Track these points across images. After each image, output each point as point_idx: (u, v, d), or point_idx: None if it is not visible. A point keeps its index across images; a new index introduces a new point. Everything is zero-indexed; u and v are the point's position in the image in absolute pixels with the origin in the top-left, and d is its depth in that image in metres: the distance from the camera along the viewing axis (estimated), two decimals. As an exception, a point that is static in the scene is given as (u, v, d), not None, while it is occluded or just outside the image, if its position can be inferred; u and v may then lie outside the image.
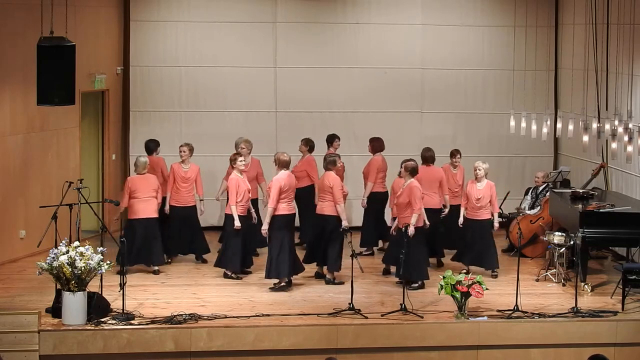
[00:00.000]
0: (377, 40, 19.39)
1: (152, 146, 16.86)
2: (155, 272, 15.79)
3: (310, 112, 19.33)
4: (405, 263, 14.22)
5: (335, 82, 19.34)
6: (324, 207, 15.30)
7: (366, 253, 17.24)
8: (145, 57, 19.15)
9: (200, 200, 16.60)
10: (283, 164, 15.20)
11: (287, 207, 15.09)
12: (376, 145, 17.45)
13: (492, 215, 15.84)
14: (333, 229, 15.16)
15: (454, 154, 17.09)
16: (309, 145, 17.69)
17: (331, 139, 17.72)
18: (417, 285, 15.01)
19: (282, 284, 15.06)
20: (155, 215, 15.79)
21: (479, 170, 15.84)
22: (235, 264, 15.48)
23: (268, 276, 15.09)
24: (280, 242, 14.96)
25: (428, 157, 16.49)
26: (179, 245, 16.60)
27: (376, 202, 17.25)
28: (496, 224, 15.89)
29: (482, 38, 19.62)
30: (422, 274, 15.15)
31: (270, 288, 15.06)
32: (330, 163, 15.42)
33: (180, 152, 16.49)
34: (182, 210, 16.39)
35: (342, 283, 15.10)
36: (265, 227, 15.01)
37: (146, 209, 15.66)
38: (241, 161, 15.50)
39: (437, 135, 19.28)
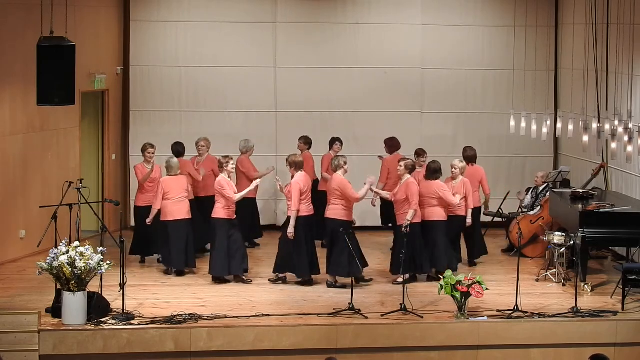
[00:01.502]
0: (377, 40, 19.39)
1: (180, 150, 16.82)
2: (186, 273, 15.85)
3: (310, 112, 19.34)
4: (399, 260, 14.25)
5: (335, 82, 19.34)
6: (330, 211, 15.21)
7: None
8: (145, 57, 19.15)
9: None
10: (299, 166, 15.29)
11: (306, 208, 15.16)
12: (391, 145, 17.56)
13: (466, 212, 15.95)
14: (337, 232, 15.13)
15: (420, 153, 17.10)
16: (308, 143, 17.81)
17: (331, 142, 17.81)
18: (407, 278, 14.82)
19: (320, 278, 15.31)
20: (188, 216, 15.81)
21: (455, 168, 16.00)
22: (219, 269, 15.45)
23: (276, 271, 15.27)
24: (295, 242, 15.00)
25: (471, 157, 16.56)
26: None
27: (388, 202, 17.25)
28: (469, 220, 15.93)
29: (482, 38, 19.62)
30: (414, 268, 15.19)
31: (269, 280, 15.25)
32: (340, 163, 15.36)
33: (149, 153, 16.42)
34: (149, 209, 16.24)
35: (344, 287, 15.01)
36: (291, 230, 14.99)
37: (180, 210, 15.69)
38: (232, 165, 15.49)
39: (437, 135, 19.29)
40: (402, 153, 17.29)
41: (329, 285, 15.19)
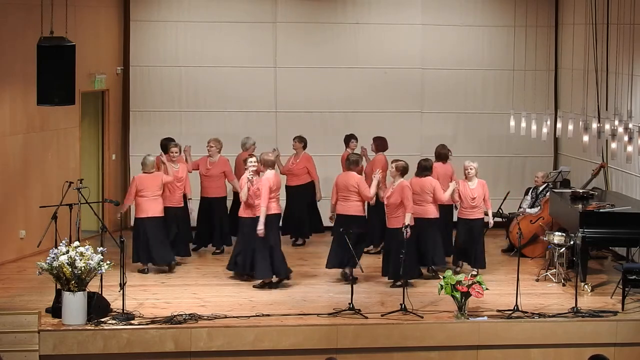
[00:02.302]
0: (377, 40, 19.40)
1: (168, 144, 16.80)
2: (170, 269, 15.84)
3: (310, 112, 19.34)
4: (400, 263, 14.23)
5: (335, 82, 19.35)
6: (349, 207, 15.22)
7: (373, 252, 17.27)
8: (145, 57, 19.16)
9: (189, 199, 16.66)
10: (269, 164, 15.21)
11: (276, 207, 15.09)
12: (380, 144, 17.45)
13: (486, 213, 15.84)
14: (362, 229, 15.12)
15: None
16: (303, 142, 17.80)
17: (347, 140, 17.74)
18: (401, 283, 14.79)
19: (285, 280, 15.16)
20: (162, 214, 15.79)
21: (471, 169, 15.84)
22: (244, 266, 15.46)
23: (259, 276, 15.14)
24: (269, 242, 14.96)
25: (443, 155, 16.55)
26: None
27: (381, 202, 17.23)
28: (491, 221, 15.87)
29: (482, 38, 19.62)
30: (414, 273, 15.18)
31: (254, 286, 15.10)
32: (353, 163, 15.31)
33: (171, 152, 16.39)
34: (175, 210, 16.27)
35: (353, 282, 14.84)
36: (261, 228, 14.89)
37: (155, 207, 15.67)
38: (251, 162, 15.42)
39: (437, 135, 19.25)
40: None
41: (342, 274, 15.25)
